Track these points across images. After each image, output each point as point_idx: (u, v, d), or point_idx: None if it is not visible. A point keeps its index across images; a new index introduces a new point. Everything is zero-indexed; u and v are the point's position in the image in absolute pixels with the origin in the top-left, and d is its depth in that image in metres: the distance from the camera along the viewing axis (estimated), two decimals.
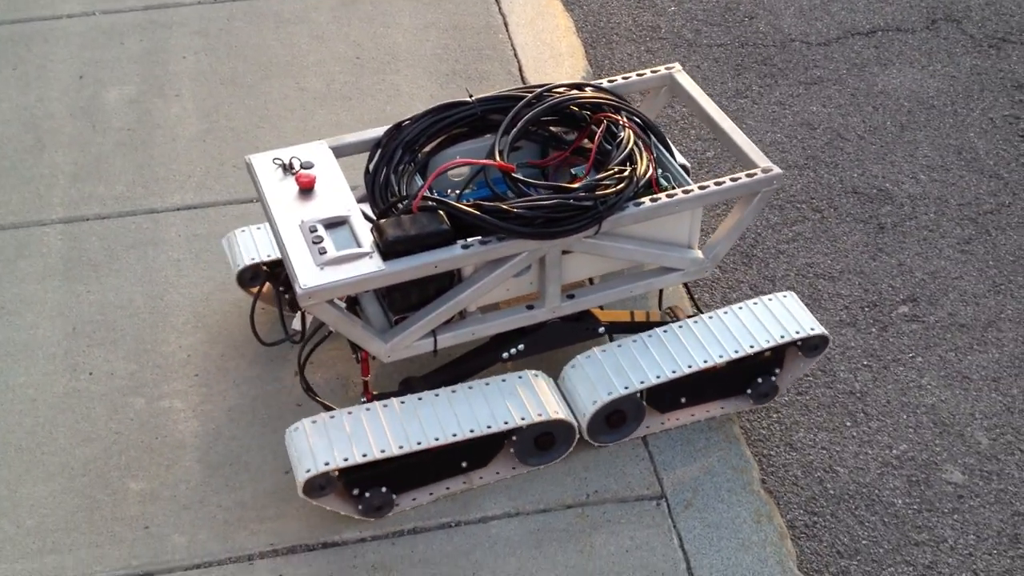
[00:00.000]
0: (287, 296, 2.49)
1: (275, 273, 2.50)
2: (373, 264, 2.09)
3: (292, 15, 3.76)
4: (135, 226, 2.93)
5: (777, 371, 2.45)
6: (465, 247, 2.13)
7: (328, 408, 2.31)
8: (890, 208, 3.15)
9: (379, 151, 2.33)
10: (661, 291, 2.59)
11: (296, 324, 2.40)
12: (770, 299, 2.44)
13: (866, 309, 2.86)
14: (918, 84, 3.60)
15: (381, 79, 3.48)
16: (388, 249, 2.10)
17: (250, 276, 2.54)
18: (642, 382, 2.27)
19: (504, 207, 2.13)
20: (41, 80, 3.47)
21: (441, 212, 2.15)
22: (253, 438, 2.39)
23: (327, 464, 2.07)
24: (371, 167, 2.32)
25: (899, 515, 2.40)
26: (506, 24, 3.74)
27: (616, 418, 2.33)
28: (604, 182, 2.20)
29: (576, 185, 2.20)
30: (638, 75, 2.62)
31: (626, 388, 2.26)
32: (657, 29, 3.85)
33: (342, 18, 3.75)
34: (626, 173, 2.24)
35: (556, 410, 2.24)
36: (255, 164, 2.32)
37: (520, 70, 3.53)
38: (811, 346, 2.43)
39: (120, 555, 2.17)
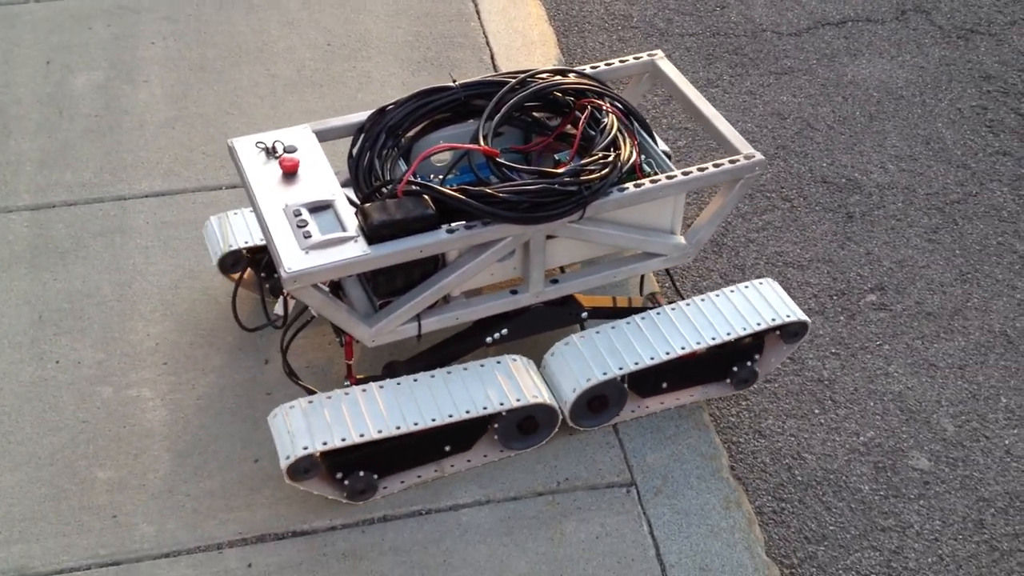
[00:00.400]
0: (268, 282, 2.48)
1: (257, 259, 2.50)
2: (358, 248, 2.09)
3: (262, 1, 3.73)
4: (103, 213, 2.90)
5: (757, 357, 2.47)
6: (450, 231, 2.13)
7: (311, 392, 2.31)
8: (859, 197, 3.17)
9: (363, 135, 2.33)
10: (642, 277, 2.60)
11: (278, 309, 2.39)
12: (747, 286, 2.45)
13: (834, 297, 2.88)
14: (887, 74, 3.62)
15: (352, 66, 3.46)
16: (373, 233, 2.09)
17: (232, 262, 2.53)
18: (623, 368, 2.28)
19: (489, 192, 2.13)
20: (7, 65, 3.42)
21: (426, 196, 2.15)
22: (222, 427, 2.38)
23: (305, 449, 2.07)
24: (355, 151, 2.31)
25: (866, 501, 2.42)
26: (478, 12, 3.73)
27: (598, 403, 2.34)
28: (589, 167, 2.21)
29: (561, 170, 2.20)
30: (620, 61, 2.62)
31: (606, 374, 2.27)
32: (629, 18, 3.85)
33: (313, 4, 3.73)
34: (610, 159, 2.24)
35: (537, 394, 2.25)
36: (237, 148, 2.31)
37: (492, 58, 3.52)
38: (791, 332, 2.44)
39: (88, 544, 2.15)
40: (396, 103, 2.36)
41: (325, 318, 2.21)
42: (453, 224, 2.15)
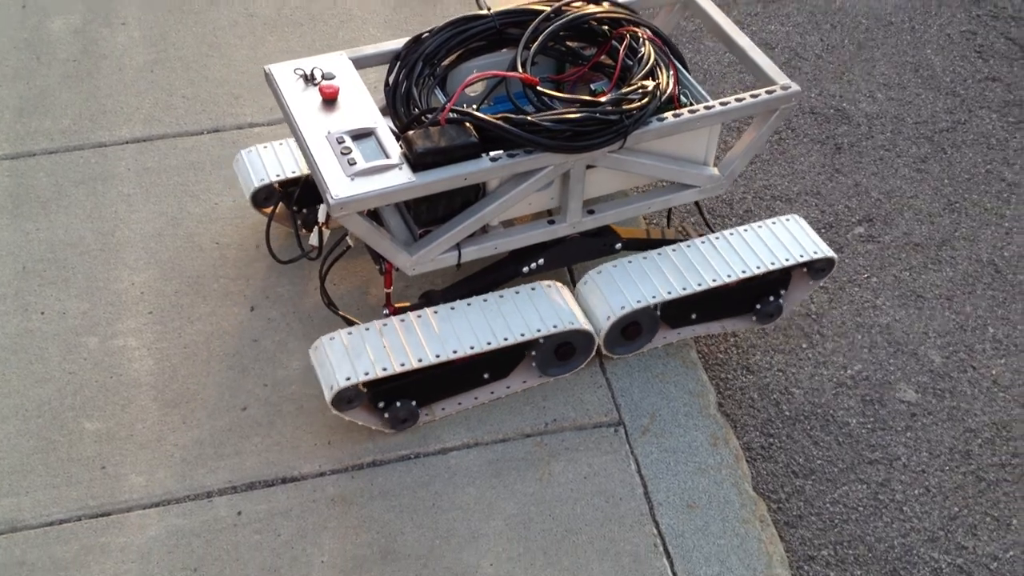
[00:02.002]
0: (300, 215, 2.50)
1: (289, 193, 2.50)
2: (403, 176, 2.08)
3: None
4: (83, 161, 2.87)
5: (783, 292, 2.47)
6: (494, 160, 2.13)
7: (350, 323, 2.32)
8: (847, 128, 3.14)
9: (399, 63, 2.31)
10: (670, 211, 2.63)
11: (313, 240, 2.40)
12: (775, 222, 2.45)
13: (823, 231, 2.87)
14: (876, 1, 3.56)
15: (333, 3, 3.40)
16: (418, 161, 2.09)
17: (264, 196, 2.53)
18: (657, 296, 2.30)
19: (532, 120, 2.12)
20: None
21: (468, 124, 2.14)
22: (209, 375, 2.38)
23: (348, 379, 2.10)
24: (391, 79, 2.30)
25: (853, 434, 2.44)
26: None
27: (632, 330, 2.35)
28: (629, 96, 2.20)
29: (602, 99, 2.19)
30: None
31: (640, 301, 2.28)
32: None
33: None
34: (650, 88, 2.23)
35: (574, 320, 2.26)
36: (275, 74, 2.29)
37: None
38: (818, 268, 2.44)
39: (77, 496, 2.16)
40: (431, 31, 2.35)
41: (366, 246, 2.23)
42: (495, 152, 2.14)
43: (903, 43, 3.41)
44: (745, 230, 2.43)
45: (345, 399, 2.14)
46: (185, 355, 2.42)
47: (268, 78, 2.30)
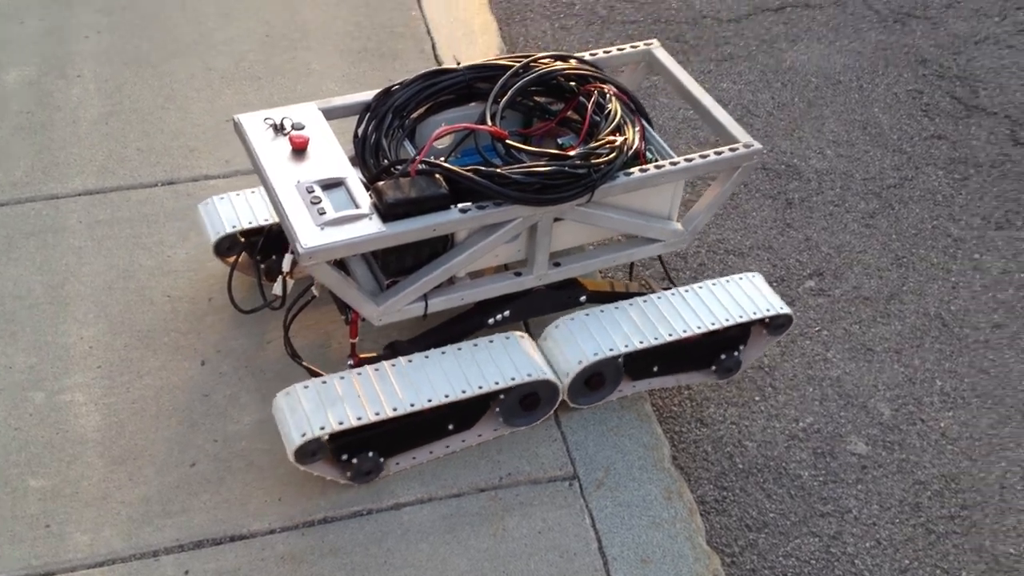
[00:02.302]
0: (263, 264, 2.51)
1: (252, 243, 2.50)
2: (373, 225, 2.10)
3: None
4: (35, 213, 2.85)
5: (741, 347, 2.50)
6: (463, 211, 2.15)
7: (315, 373, 2.31)
8: (798, 184, 3.19)
9: (368, 115, 2.33)
10: (632, 264, 2.67)
11: (277, 289, 2.39)
12: (740, 278, 2.49)
13: (774, 284, 2.90)
14: (825, 60, 3.64)
15: (292, 57, 3.42)
16: (388, 211, 2.10)
17: (227, 246, 2.53)
18: (627, 346, 2.32)
19: (502, 172, 2.15)
20: None
21: (439, 176, 2.16)
22: (158, 431, 2.35)
23: (322, 428, 2.09)
24: (359, 131, 2.32)
25: (805, 487, 2.45)
26: (419, 1, 3.70)
27: (596, 380, 2.37)
28: (597, 151, 2.24)
29: (571, 153, 2.22)
30: (618, 49, 2.65)
31: (611, 350, 2.30)
32: (571, 6, 3.84)
33: None
34: (617, 143, 2.27)
35: (544, 370, 2.27)
36: (244, 123, 2.30)
37: (433, 47, 3.49)
38: (776, 325, 2.48)
39: (20, 555, 2.11)
40: (401, 84, 2.38)
41: (332, 296, 2.24)
42: (464, 204, 2.16)
43: (851, 101, 3.49)
44: (710, 285, 2.46)
45: (309, 452, 2.12)
46: (133, 410, 2.38)
47: (237, 127, 2.31)
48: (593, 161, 2.21)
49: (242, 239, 2.52)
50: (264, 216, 2.52)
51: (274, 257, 2.53)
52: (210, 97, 3.25)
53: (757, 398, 2.63)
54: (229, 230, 2.49)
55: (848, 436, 2.56)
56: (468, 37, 3.55)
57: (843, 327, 2.80)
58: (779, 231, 3.05)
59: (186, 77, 3.32)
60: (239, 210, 2.54)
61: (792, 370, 2.69)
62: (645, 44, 2.66)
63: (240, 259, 2.50)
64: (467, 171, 2.15)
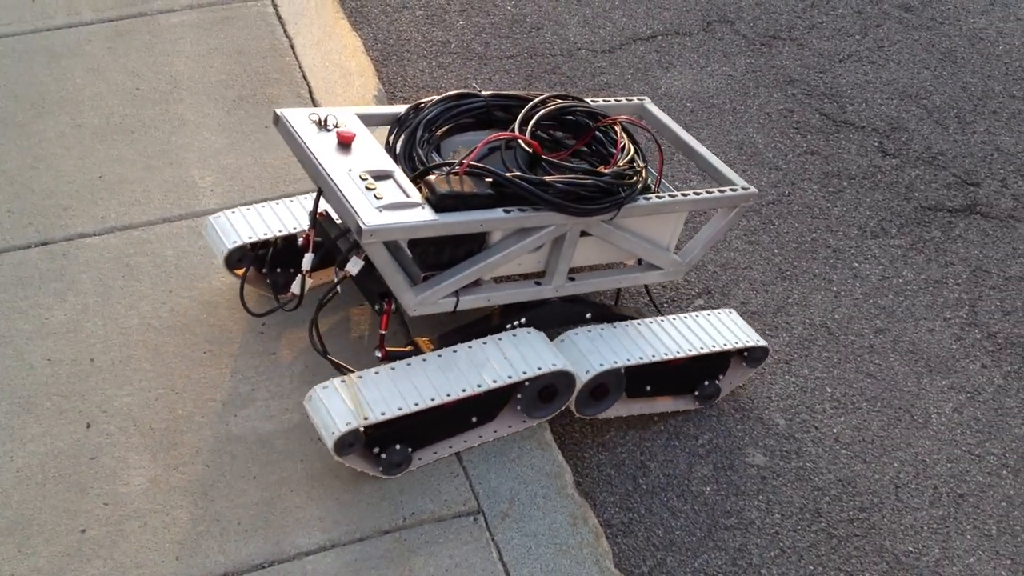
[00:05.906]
0: (270, 276, 2.64)
1: (260, 255, 2.62)
2: (427, 214, 2.22)
3: (65, 48, 3.59)
4: None
5: (721, 376, 2.62)
6: (507, 211, 2.29)
7: (342, 369, 2.39)
8: None
9: (399, 126, 2.50)
10: (619, 291, 2.80)
11: (295, 288, 2.45)
12: (718, 313, 2.68)
13: (665, 304, 2.94)
14: (698, 84, 3.74)
15: (164, 109, 3.35)
16: (440, 202, 2.24)
17: (237, 258, 2.62)
18: (641, 357, 2.46)
19: (546, 180, 2.31)
20: None
21: (487, 178, 2.30)
22: (45, 498, 2.25)
23: (348, 424, 2.17)
24: (391, 139, 2.47)
25: (709, 502, 2.48)
26: (292, 46, 3.67)
27: (600, 391, 2.47)
28: (626, 172, 2.42)
29: (606, 171, 2.39)
30: (616, 100, 2.85)
31: (616, 362, 2.42)
32: (447, 44, 3.86)
33: (118, 48, 3.60)
34: (639, 168, 2.47)
35: (561, 362, 2.38)
36: (288, 117, 2.39)
37: (310, 92, 3.47)
38: (755, 357, 2.64)
39: None
40: (427, 102, 2.55)
41: (362, 289, 2.39)
42: (508, 207, 2.29)
43: (726, 123, 3.58)
44: (694, 316, 2.65)
45: (347, 443, 2.18)
46: (18, 479, 2.28)
47: (280, 120, 2.39)
48: (623, 181, 2.39)
49: (251, 250, 2.61)
50: (278, 228, 2.62)
51: (278, 270, 2.66)
52: (81, 154, 3.17)
53: (656, 418, 2.65)
54: (236, 243, 2.58)
55: (746, 448, 2.60)
56: (345, 80, 3.54)
57: None
58: None
59: (55, 136, 3.23)
60: (249, 224, 2.63)
61: None
62: (638, 99, 2.87)
63: (248, 272, 2.62)
64: (514, 176, 2.30)
